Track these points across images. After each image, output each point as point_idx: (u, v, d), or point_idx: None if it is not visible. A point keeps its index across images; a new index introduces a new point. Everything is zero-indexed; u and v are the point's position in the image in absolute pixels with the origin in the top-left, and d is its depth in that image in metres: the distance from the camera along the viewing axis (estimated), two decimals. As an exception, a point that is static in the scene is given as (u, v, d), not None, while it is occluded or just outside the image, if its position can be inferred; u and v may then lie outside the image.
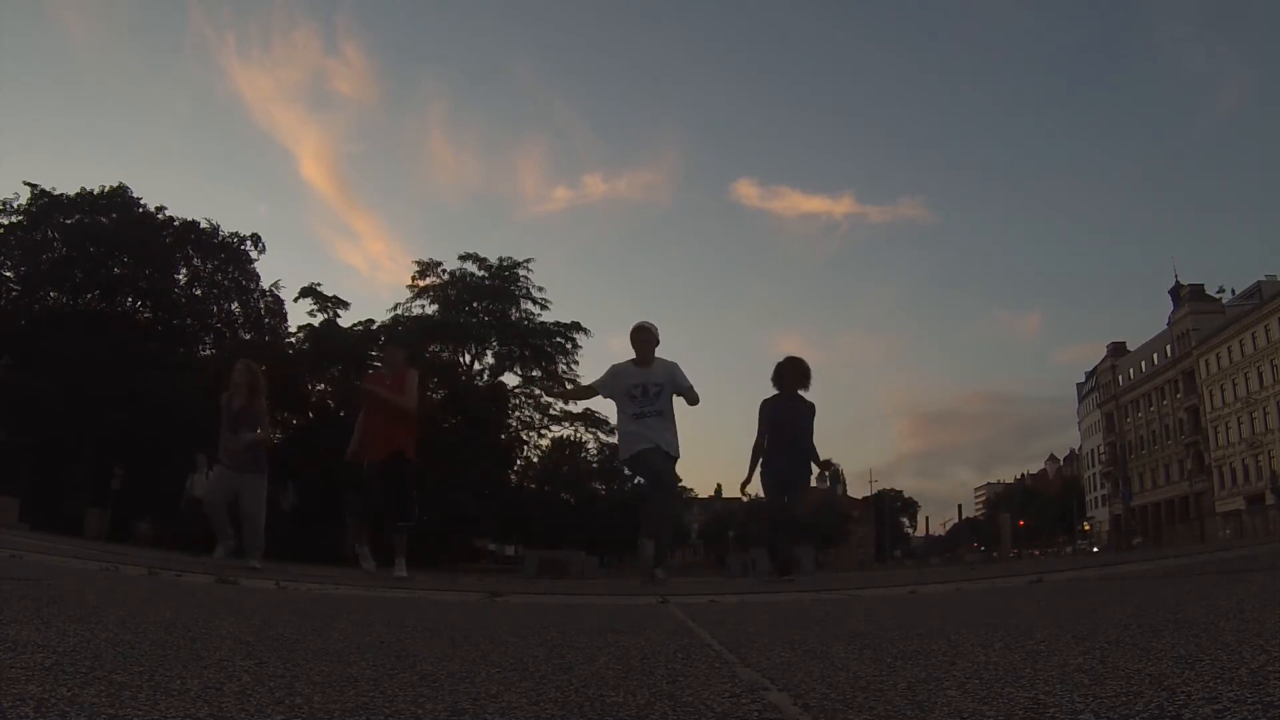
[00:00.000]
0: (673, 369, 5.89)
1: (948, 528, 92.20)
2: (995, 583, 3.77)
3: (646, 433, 5.71)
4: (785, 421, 6.22)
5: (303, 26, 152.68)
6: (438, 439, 29.19)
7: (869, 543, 78.26)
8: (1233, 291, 57.41)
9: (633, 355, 5.96)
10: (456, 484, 28.68)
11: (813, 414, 6.39)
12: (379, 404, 6.18)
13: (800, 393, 6.34)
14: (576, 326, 35.25)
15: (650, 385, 5.78)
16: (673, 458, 5.82)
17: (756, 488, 6.41)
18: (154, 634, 1.58)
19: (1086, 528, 62.07)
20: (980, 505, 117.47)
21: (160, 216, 30.64)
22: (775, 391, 6.38)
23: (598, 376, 6.18)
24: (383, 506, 5.99)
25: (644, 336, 5.91)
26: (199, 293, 31.93)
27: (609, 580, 5.28)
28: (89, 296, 29.90)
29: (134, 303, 30.93)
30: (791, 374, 6.36)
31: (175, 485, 14.14)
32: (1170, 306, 59.94)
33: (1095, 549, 43.76)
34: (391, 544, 5.91)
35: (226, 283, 31.99)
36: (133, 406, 22.74)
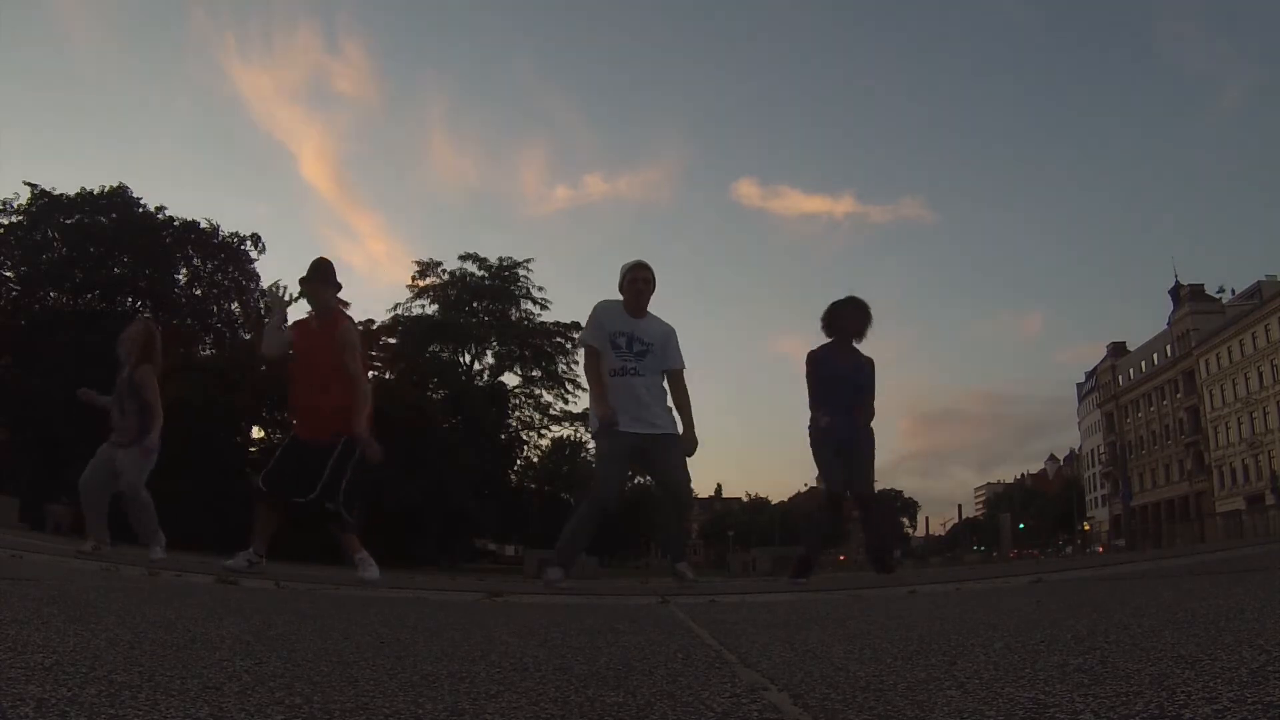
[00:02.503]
0: (670, 334, 4.69)
1: (948, 528, 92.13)
2: (995, 583, 3.76)
3: (633, 400, 4.46)
4: (845, 376, 5.01)
5: (303, 26, 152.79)
6: (438, 439, 29.25)
7: (869, 543, 78.02)
8: (1233, 291, 57.49)
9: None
10: (456, 484, 28.69)
11: (874, 370, 5.16)
12: (303, 364, 4.66)
13: (856, 345, 5.14)
14: (576, 326, 35.24)
15: (638, 339, 4.56)
16: (679, 439, 4.62)
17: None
18: (154, 634, 1.58)
19: (1086, 528, 62.07)
20: (980, 505, 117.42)
21: (160, 216, 30.69)
22: (825, 341, 5.15)
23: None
24: (294, 485, 4.46)
25: (644, 275, 4.63)
26: (199, 293, 31.97)
27: (609, 580, 4.89)
28: (89, 296, 29.92)
29: (134, 303, 30.93)
30: (854, 317, 5.07)
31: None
32: (1170, 306, 59.97)
33: (1100, 548, 43.77)
34: (338, 542, 4.64)
35: (226, 283, 32.03)
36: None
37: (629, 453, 4.55)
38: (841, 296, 5.16)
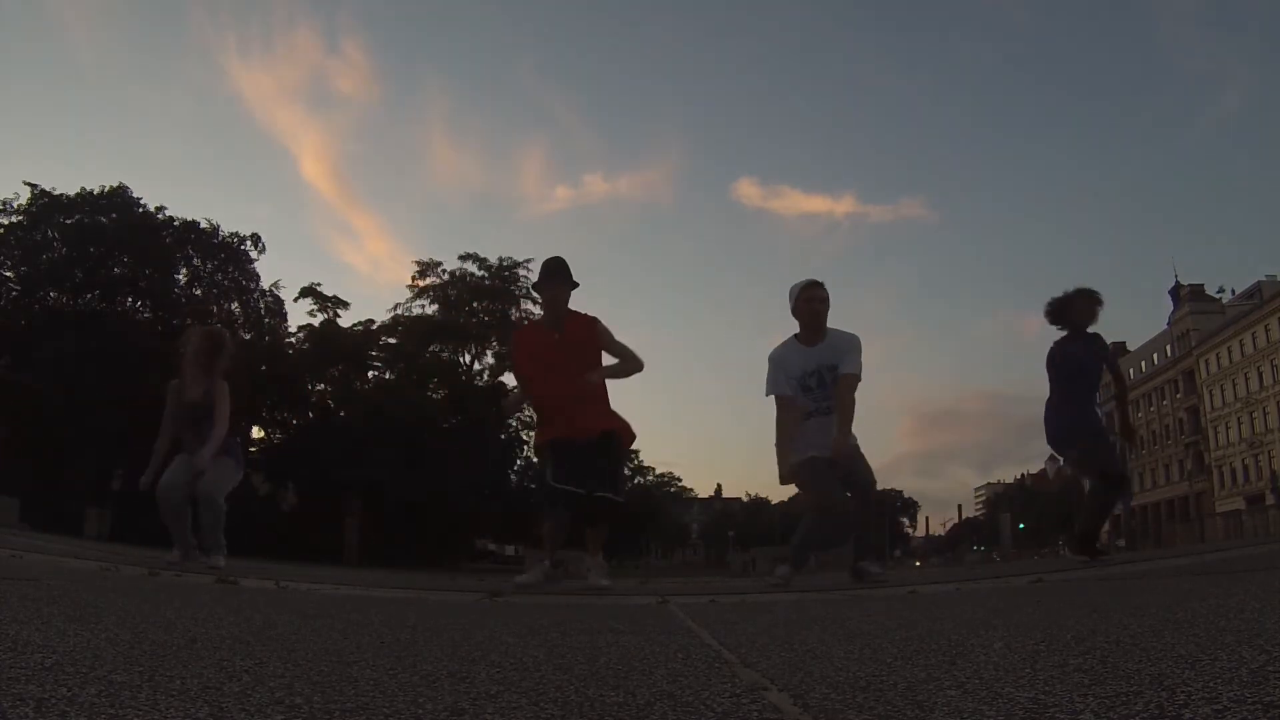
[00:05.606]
0: (852, 346, 4.34)
1: (948, 528, 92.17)
2: (995, 583, 3.76)
3: (821, 433, 4.23)
4: (1089, 364, 4.90)
5: (303, 26, 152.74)
6: (438, 439, 29.23)
7: (869, 543, 78.01)
8: (1233, 291, 57.46)
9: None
10: (457, 484, 28.67)
11: (1113, 353, 5.05)
12: (551, 366, 4.40)
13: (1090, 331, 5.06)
14: (576, 327, 35.24)
15: (825, 368, 4.26)
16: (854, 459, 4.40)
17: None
18: (154, 634, 1.58)
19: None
20: (980, 505, 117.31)
21: (160, 216, 30.67)
22: (1061, 334, 5.11)
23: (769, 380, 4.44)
24: (582, 485, 4.34)
25: (820, 295, 4.34)
26: (199, 293, 31.94)
27: (609, 580, 4.75)
28: (89, 296, 29.90)
29: (134, 303, 30.93)
30: (1085, 304, 5.00)
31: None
32: (1170, 306, 59.94)
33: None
34: (590, 531, 4.62)
35: (226, 283, 32.01)
36: (132, 406, 22.77)
37: (825, 465, 4.34)
38: (1073, 288, 5.14)
